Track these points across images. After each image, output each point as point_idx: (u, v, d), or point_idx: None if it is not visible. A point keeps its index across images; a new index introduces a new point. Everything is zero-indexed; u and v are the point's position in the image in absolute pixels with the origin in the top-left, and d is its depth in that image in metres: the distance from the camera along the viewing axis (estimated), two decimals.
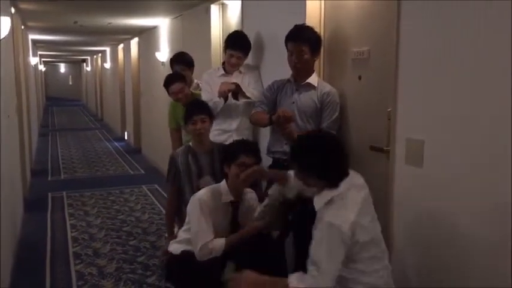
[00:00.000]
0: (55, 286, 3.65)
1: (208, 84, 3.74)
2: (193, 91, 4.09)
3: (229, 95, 3.53)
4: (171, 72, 4.27)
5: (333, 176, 2.04)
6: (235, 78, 3.65)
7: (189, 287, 2.63)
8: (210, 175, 3.20)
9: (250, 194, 2.82)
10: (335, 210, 1.98)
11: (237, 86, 3.52)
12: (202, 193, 2.71)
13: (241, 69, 3.70)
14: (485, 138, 1.86)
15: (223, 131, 3.64)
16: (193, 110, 3.23)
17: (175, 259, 2.73)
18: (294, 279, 1.97)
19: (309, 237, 2.39)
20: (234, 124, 3.65)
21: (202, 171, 3.23)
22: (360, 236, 1.96)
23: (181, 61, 4.26)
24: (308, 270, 1.96)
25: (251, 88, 3.59)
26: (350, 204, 2.00)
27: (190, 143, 3.35)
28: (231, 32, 3.97)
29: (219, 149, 3.21)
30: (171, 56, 4.52)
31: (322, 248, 1.94)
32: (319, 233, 1.97)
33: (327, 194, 2.03)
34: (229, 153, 2.72)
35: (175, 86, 3.94)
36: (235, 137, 3.54)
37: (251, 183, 2.73)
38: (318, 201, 2.06)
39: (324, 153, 2.04)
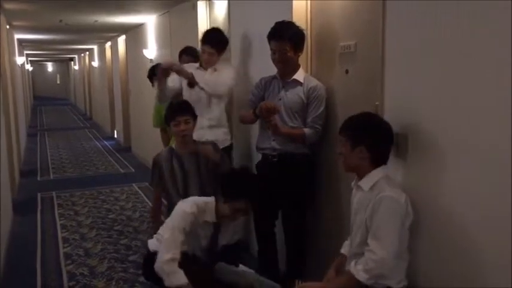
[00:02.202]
0: (46, 287, 3.63)
1: None
2: None
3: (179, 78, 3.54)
4: None
5: (383, 152, 2.14)
6: (208, 73, 3.62)
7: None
8: (195, 177, 3.16)
9: (236, 224, 2.79)
10: (389, 187, 2.07)
11: (192, 77, 3.52)
12: (189, 207, 2.60)
13: (217, 66, 3.65)
14: (470, 133, 1.87)
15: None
16: (176, 111, 3.15)
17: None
18: (359, 272, 1.99)
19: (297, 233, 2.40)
20: (205, 122, 3.55)
21: (187, 174, 3.16)
22: (407, 219, 2.06)
23: (190, 53, 4.34)
24: (368, 248, 2.00)
25: (214, 80, 3.56)
26: (397, 186, 2.12)
27: (173, 145, 3.28)
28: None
29: (216, 148, 3.23)
30: (158, 53, 4.53)
31: (382, 221, 2.00)
32: (378, 209, 2.01)
33: (374, 175, 2.11)
34: (230, 188, 2.57)
35: None
36: (208, 134, 3.51)
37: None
38: (366, 182, 2.13)
39: (385, 127, 2.15)
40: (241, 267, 2.60)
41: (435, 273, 2.07)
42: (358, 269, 2.00)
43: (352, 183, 2.27)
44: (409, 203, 2.07)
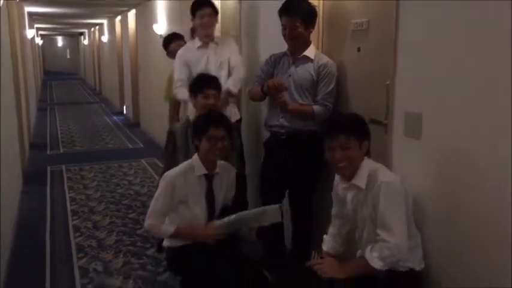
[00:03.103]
0: (55, 259, 3.69)
1: (183, 61, 3.62)
2: None
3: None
4: None
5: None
6: (213, 50, 3.55)
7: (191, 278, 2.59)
8: None
9: (227, 171, 2.75)
10: (381, 174, 2.06)
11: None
12: (174, 171, 2.66)
13: (216, 39, 3.60)
14: (484, 110, 1.84)
15: None
16: (205, 82, 3.07)
17: (174, 253, 2.67)
18: (373, 259, 1.97)
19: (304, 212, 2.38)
20: None
21: None
22: (408, 198, 2.05)
23: (178, 37, 4.40)
24: (379, 238, 1.98)
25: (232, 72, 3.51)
26: (385, 168, 2.13)
27: (191, 116, 3.20)
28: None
29: None
30: (168, 28, 4.54)
31: (386, 208, 1.98)
32: (379, 198, 1.99)
33: (364, 168, 2.09)
34: (198, 126, 2.66)
35: (175, 44, 4.07)
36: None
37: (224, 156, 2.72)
38: (361, 178, 2.09)
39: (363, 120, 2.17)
40: (239, 213, 2.56)
41: (448, 266, 2.07)
42: (373, 257, 1.98)
43: (341, 186, 2.23)
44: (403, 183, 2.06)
